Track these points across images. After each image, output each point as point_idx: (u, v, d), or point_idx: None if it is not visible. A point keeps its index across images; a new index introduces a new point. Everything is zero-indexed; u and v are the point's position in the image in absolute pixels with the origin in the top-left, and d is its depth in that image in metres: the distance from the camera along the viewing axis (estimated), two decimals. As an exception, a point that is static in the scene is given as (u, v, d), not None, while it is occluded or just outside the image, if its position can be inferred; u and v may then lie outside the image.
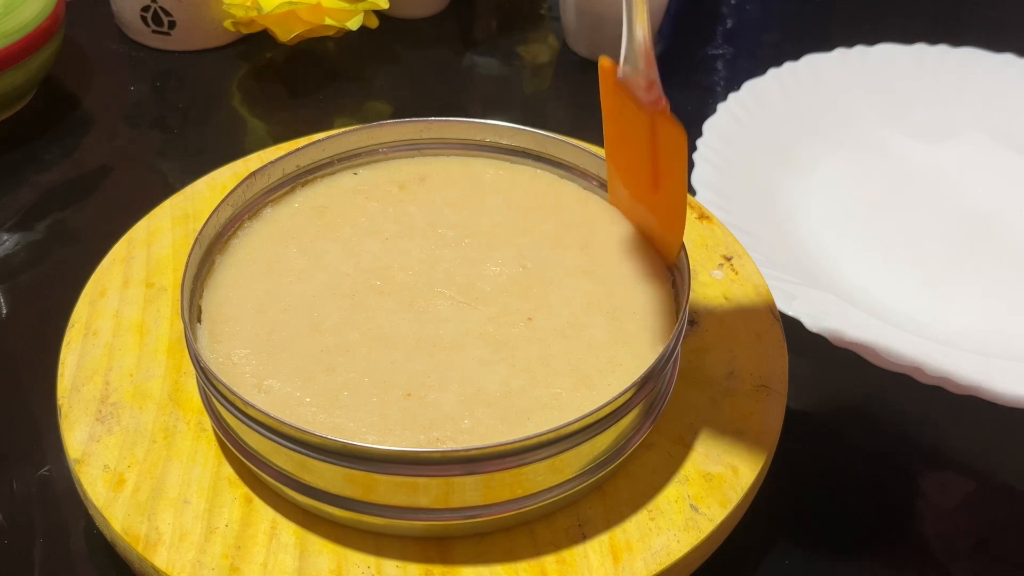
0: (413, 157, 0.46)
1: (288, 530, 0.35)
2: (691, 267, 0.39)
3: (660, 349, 0.37)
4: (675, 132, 0.36)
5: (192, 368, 0.38)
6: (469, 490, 0.33)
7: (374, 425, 0.35)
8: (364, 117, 0.62)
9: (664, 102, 0.37)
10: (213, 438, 0.37)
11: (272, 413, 0.33)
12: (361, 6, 0.61)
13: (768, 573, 0.40)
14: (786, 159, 0.58)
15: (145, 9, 0.64)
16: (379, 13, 0.64)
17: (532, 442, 0.32)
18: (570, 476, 0.34)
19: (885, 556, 0.40)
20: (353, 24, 0.61)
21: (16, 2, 0.54)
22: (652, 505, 0.36)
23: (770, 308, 0.43)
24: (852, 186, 0.57)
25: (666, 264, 0.41)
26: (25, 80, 0.57)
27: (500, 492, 0.33)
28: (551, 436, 0.33)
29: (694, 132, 0.56)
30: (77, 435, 0.37)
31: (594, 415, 0.33)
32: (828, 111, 0.61)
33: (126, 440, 0.37)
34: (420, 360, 0.37)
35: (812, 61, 0.62)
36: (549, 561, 0.34)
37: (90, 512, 0.36)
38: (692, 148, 0.55)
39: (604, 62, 0.39)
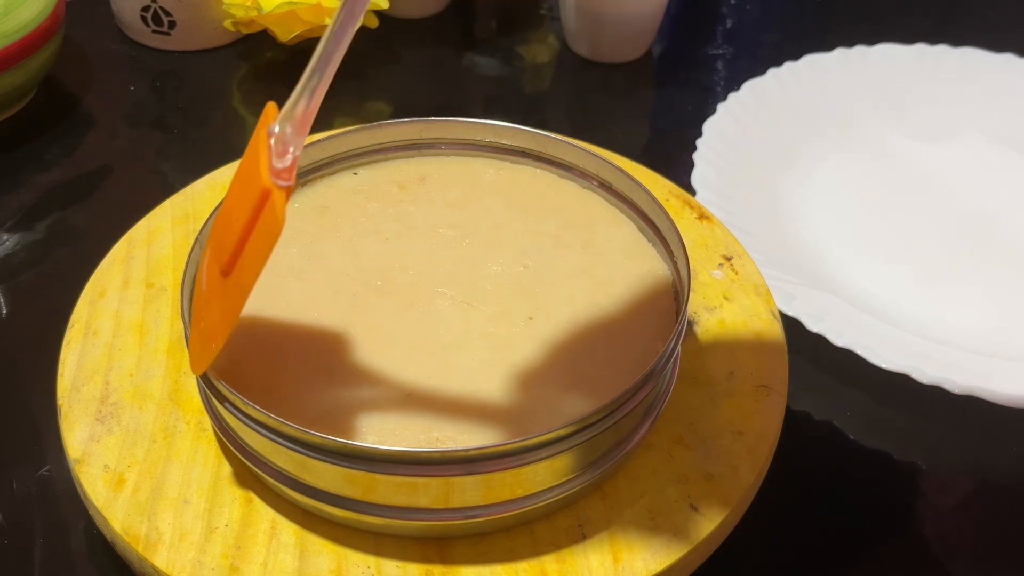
0: (413, 157, 0.46)
1: (288, 530, 0.35)
2: (691, 267, 0.39)
3: (660, 349, 0.37)
4: (273, 219, 0.31)
5: (192, 368, 0.38)
6: (469, 490, 0.33)
7: (374, 425, 0.35)
8: (364, 117, 0.62)
9: (291, 186, 0.32)
10: (213, 438, 0.37)
11: (273, 414, 0.33)
12: (361, 6, 0.61)
13: (768, 573, 0.40)
14: (786, 159, 0.58)
15: (145, 9, 0.64)
16: (379, 13, 0.64)
17: (532, 442, 0.32)
18: (570, 476, 0.34)
19: (885, 556, 0.40)
20: (353, 24, 0.61)
21: (16, 2, 0.54)
22: (652, 505, 0.36)
23: (770, 308, 0.43)
24: (852, 186, 0.57)
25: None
26: (25, 80, 0.57)
27: (500, 492, 0.33)
28: (551, 436, 0.32)
29: (694, 132, 0.56)
30: (77, 435, 0.37)
31: (594, 415, 0.33)
32: (828, 111, 0.61)
33: (126, 440, 0.37)
34: (420, 360, 0.37)
35: (812, 61, 0.62)
36: (549, 561, 0.34)
37: (90, 512, 0.36)
38: (692, 148, 0.55)
39: (269, 106, 0.33)
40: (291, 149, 0.32)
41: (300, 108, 0.32)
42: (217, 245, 0.34)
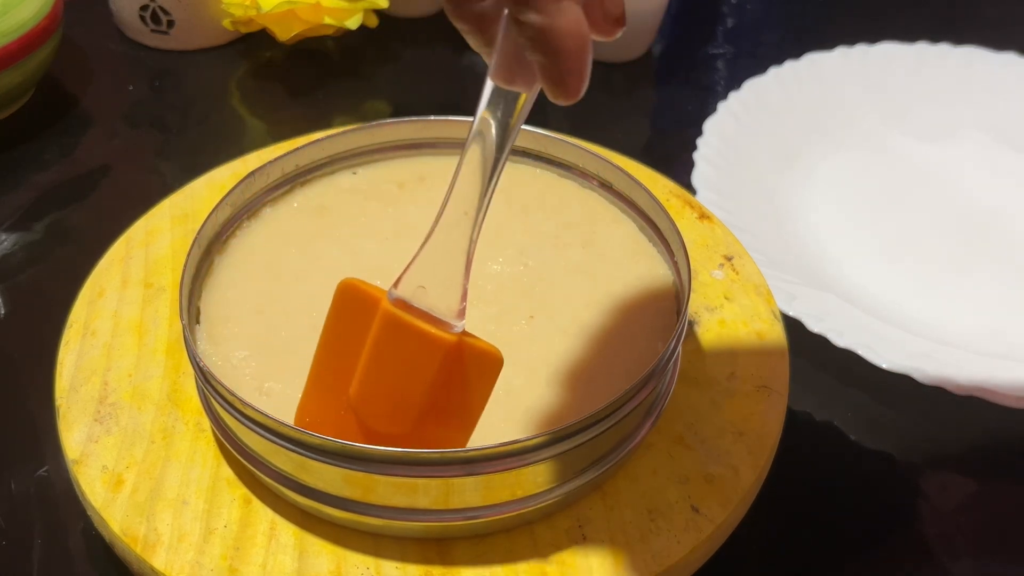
0: (413, 157, 0.46)
1: (287, 531, 0.35)
2: (691, 267, 0.39)
3: (660, 349, 0.37)
4: (490, 355, 0.32)
5: (191, 369, 0.38)
6: (469, 491, 0.33)
7: (373, 425, 0.35)
8: (363, 117, 0.62)
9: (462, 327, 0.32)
10: (212, 439, 0.37)
11: (272, 415, 0.33)
12: (360, 5, 0.61)
13: (768, 573, 0.40)
14: (787, 158, 0.58)
15: (144, 8, 0.64)
16: (379, 12, 0.64)
17: (532, 442, 0.32)
18: (570, 476, 0.34)
19: (885, 556, 0.40)
20: (352, 23, 0.61)
21: (14, 1, 0.54)
22: (652, 506, 0.36)
23: (770, 308, 0.43)
24: (853, 185, 0.57)
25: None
26: (23, 79, 0.57)
27: (500, 493, 0.33)
28: (551, 436, 0.32)
29: (694, 132, 0.56)
30: (75, 436, 0.37)
31: (594, 415, 0.33)
32: (829, 110, 0.60)
33: (124, 441, 0.37)
34: (420, 360, 0.37)
35: (813, 60, 0.62)
36: (549, 561, 0.34)
37: (88, 513, 0.36)
38: (692, 147, 0.55)
39: (352, 285, 0.33)
40: (462, 306, 0.32)
41: (461, 265, 0.31)
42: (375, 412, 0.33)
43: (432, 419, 0.33)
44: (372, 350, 0.32)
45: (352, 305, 0.33)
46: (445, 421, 0.33)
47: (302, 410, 0.35)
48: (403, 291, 0.32)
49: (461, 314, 0.32)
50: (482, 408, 0.33)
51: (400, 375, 0.33)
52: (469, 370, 0.32)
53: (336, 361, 0.34)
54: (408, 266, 0.32)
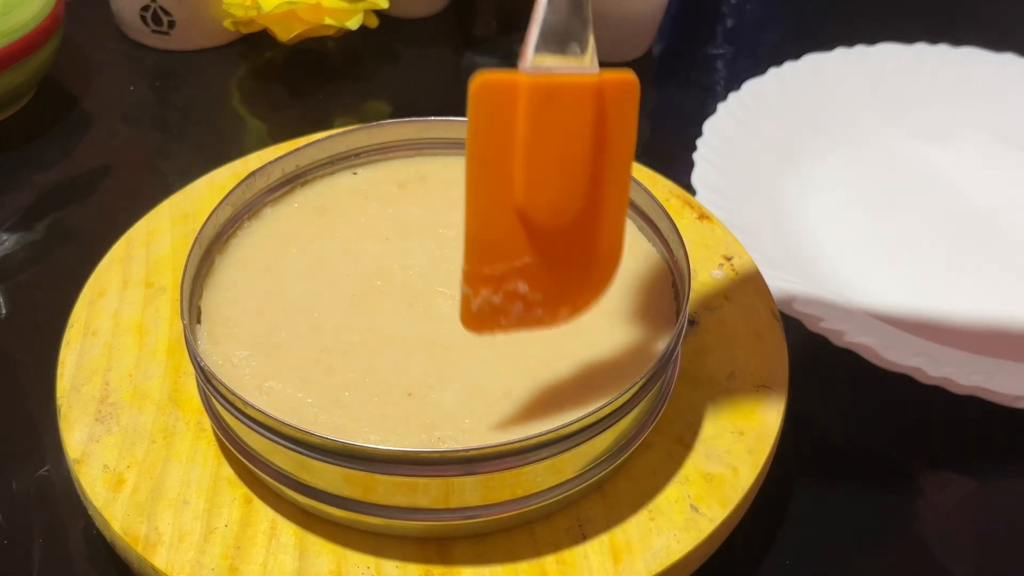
0: (413, 157, 0.46)
1: (288, 530, 0.35)
2: (691, 267, 0.39)
3: (660, 349, 0.37)
4: (626, 81, 0.31)
5: (191, 368, 0.38)
6: (469, 490, 0.33)
7: (375, 425, 0.35)
8: (364, 117, 0.62)
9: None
10: (212, 438, 0.37)
11: (273, 414, 0.33)
12: (361, 5, 0.61)
13: (768, 573, 0.40)
14: (787, 158, 0.58)
15: (145, 9, 0.64)
16: (379, 12, 0.64)
17: (532, 442, 0.32)
18: (570, 476, 0.34)
19: (885, 556, 0.40)
20: (353, 24, 0.61)
21: (15, 1, 0.54)
22: (652, 505, 0.36)
23: (770, 308, 0.43)
24: (852, 186, 0.57)
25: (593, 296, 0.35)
26: (24, 80, 0.57)
27: (500, 492, 0.33)
28: (551, 436, 0.32)
29: (694, 132, 0.56)
30: (76, 435, 0.37)
31: (594, 415, 0.33)
32: (829, 110, 0.61)
33: (125, 440, 0.37)
34: (421, 360, 0.37)
35: (813, 60, 0.62)
36: (549, 561, 0.34)
37: (89, 512, 0.36)
38: (692, 148, 0.55)
39: (494, 79, 0.30)
40: (592, 43, 0.31)
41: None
42: (543, 204, 0.31)
43: (598, 189, 0.31)
44: (528, 132, 0.30)
45: (491, 99, 0.30)
46: (608, 188, 0.32)
47: (473, 244, 0.32)
48: (533, 62, 0.30)
49: (593, 59, 0.31)
50: (632, 155, 0.32)
51: (563, 145, 0.31)
52: (614, 108, 0.31)
53: (489, 171, 0.31)
54: (528, 37, 0.30)
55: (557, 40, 0.30)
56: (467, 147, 0.31)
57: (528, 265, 0.31)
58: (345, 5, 0.61)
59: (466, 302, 0.32)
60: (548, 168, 0.31)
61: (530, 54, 0.30)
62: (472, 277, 0.32)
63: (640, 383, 0.34)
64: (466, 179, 0.31)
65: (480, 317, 0.32)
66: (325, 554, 0.34)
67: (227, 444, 0.36)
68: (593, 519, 0.35)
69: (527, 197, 0.31)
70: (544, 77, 0.30)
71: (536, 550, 0.34)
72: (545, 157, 0.31)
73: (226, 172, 0.48)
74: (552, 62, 0.30)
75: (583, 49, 0.31)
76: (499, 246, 0.31)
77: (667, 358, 0.35)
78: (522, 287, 0.32)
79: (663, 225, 0.41)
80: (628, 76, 0.31)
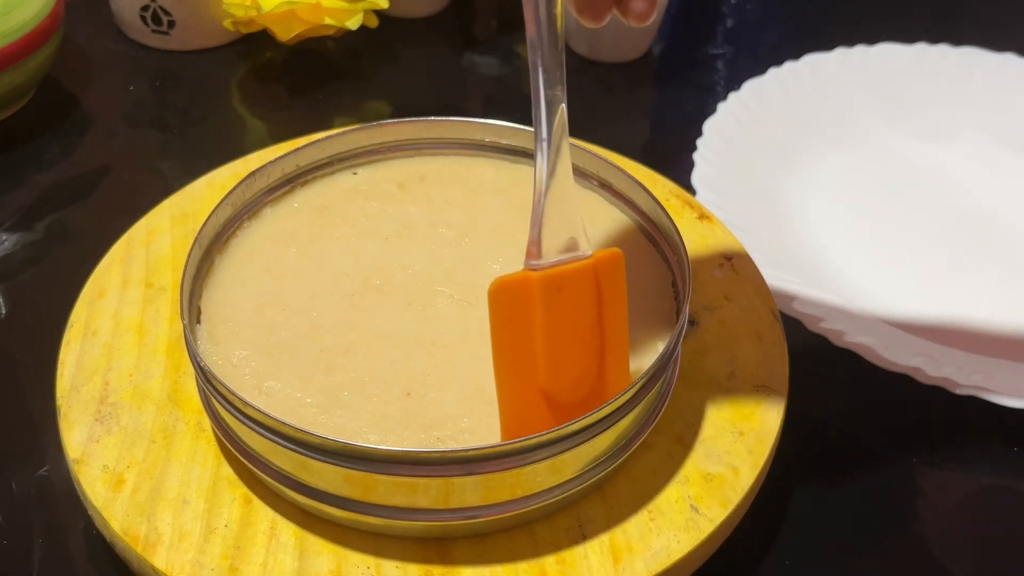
0: (413, 157, 0.46)
1: (288, 530, 0.35)
2: (691, 267, 0.39)
3: (660, 349, 0.37)
4: (614, 256, 0.34)
5: (191, 368, 0.38)
6: (469, 490, 0.33)
7: (375, 425, 0.35)
8: (364, 117, 0.62)
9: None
10: (212, 438, 0.37)
11: (272, 414, 0.33)
12: (361, 5, 0.61)
13: (768, 573, 0.40)
14: (786, 159, 0.58)
15: (144, 9, 0.64)
16: (379, 13, 0.64)
17: (532, 442, 0.32)
18: (570, 476, 0.34)
19: (885, 556, 0.40)
20: (353, 24, 0.61)
21: (15, 1, 0.54)
22: (652, 505, 0.36)
23: (770, 308, 0.43)
24: (852, 186, 0.57)
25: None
26: (24, 80, 0.57)
27: (500, 492, 0.33)
28: (551, 436, 0.32)
29: (694, 132, 0.56)
30: (76, 435, 0.37)
31: (594, 415, 0.33)
32: (829, 111, 0.61)
33: (125, 440, 0.37)
34: (420, 359, 0.37)
35: (813, 61, 0.62)
36: (549, 561, 0.34)
37: (89, 512, 0.36)
38: (692, 148, 0.55)
39: (509, 281, 0.33)
40: (580, 229, 0.34)
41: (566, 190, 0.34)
42: (564, 375, 0.35)
43: (607, 359, 0.35)
44: (545, 320, 0.34)
45: (508, 299, 0.34)
46: (613, 357, 0.35)
47: (507, 427, 0.35)
48: (537, 259, 0.34)
49: (585, 244, 0.34)
50: (626, 314, 0.35)
51: (574, 325, 0.34)
52: (607, 281, 0.34)
53: (514, 362, 0.34)
54: (532, 237, 0.34)
55: (550, 235, 0.34)
56: (493, 344, 0.34)
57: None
58: (345, 5, 0.61)
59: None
60: (565, 349, 0.34)
61: (543, 252, 0.34)
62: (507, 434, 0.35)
63: (640, 383, 0.34)
64: (495, 373, 0.35)
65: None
66: (325, 554, 0.34)
67: (227, 444, 0.36)
68: (593, 519, 0.35)
69: (550, 380, 0.34)
70: (551, 270, 0.34)
71: (536, 550, 0.34)
72: (561, 340, 0.34)
73: (226, 172, 0.48)
74: (549, 255, 0.34)
75: (578, 237, 0.34)
76: (528, 425, 0.34)
77: (667, 358, 0.35)
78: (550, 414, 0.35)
79: (663, 225, 0.41)
80: (615, 252, 0.35)
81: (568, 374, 0.35)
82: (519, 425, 0.34)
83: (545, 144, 0.33)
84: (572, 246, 0.34)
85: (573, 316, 0.34)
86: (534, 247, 0.34)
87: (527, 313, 0.34)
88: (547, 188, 0.33)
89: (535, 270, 0.34)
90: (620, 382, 0.35)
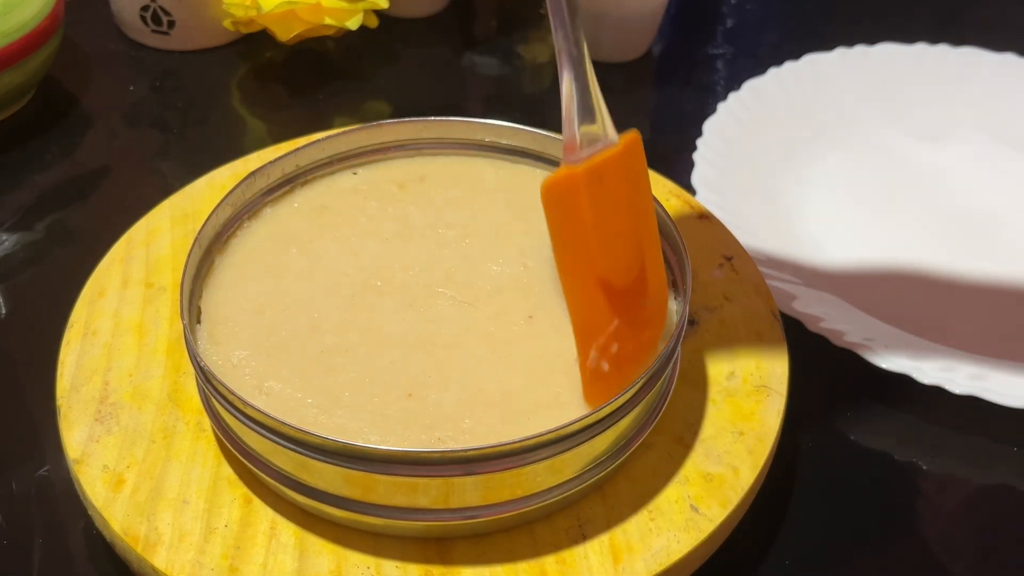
0: (413, 157, 0.46)
1: (288, 530, 0.35)
2: (691, 267, 0.39)
3: (660, 349, 0.37)
4: (636, 138, 0.36)
5: (191, 368, 0.38)
6: (469, 490, 0.33)
7: (375, 425, 0.35)
8: (364, 117, 0.62)
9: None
10: (212, 438, 0.37)
11: (272, 414, 0.33)
12: (361, 5, 0.61)
13: (768, 573, 0.40)
14: (786, 159, 0.58)
15: (144, 9, 0.64)
16: (379, 13, 0.64)
17: (532, 442, 0.32)
18: (570, 476, 0.34)
19: (885, 556, 0.40)
20: (353, 24, 0.61)
21: (15, 1, 0.54)
22: (652, 505, 0.36)
23: (770, 308, 0.43)
24: (852, 186, 0.57)
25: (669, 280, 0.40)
26: (24, 80, 0.57)
27: (500, 492, 0.33)
28: (551, 436, 0.32)
29: (694, 132, 0.56)
30: (76, 435, 0.37)
31: (594, 415, 0.33)
32: (828, 111, 0.61)
33: (125, 440, 0.37)
34: (421, 360, 0.37)
35: (812, 61, 0.62)
36: (549, 561, 0.34)
37: (89, 512, 0.36)
38: (692, 148, 0.55)
39: (558, 178, 0.35)
40: (607, 117, 0.36)
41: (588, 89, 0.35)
42: (618, 277, 0.36)
43: (642, 238, 0.37)
44: (592, 210, 0.35)
45: (558, 197, 0.35)
46: (645, 233, 0.37)
47: (579, 326, 0.36)
48: (575, 154, 0.35)
49: (611, 128, 0.36)
50: (651, 196, 0.38)
51: (616, 210, 0.36)
52: (633, 163, 0.37)
53: (574, 256, 0.36)
54: (569, 135, 0.35)
55: (589, 128, 0.35)
56: (553, 246, 0.37)
57: (618, 327, 0.36)
58: (345, 5, 0.61)
59: (587, 384, 0.36)
60: (613, 234, 0.36)
61: (578, 145, 0.35)
62: (586, 361, 0.36)
63: (640, 383, 0.34)
64: (560, 276, 0.37)
65: (596, 391, 0.36)
66: (325, 554, 0.34)
67: (227, 444, 0.36)
68: (593, 519, 0.35)
69: (606, 266, 0.36)
70: (591, 162, 0.35)
71: (536, 550, 0.34)
72: (609, 226, 0.36)
73: (226, 172, 0.48)
74: (588, 149, 0.35)
75: (605, 125, 0.36)
76: (597, 324, 0.36)
77: (667, 358, 0.36)
78: (615, 347, 0.36)
79: (663, 225, 0.41)
80: (634, 135, 0.36)
81: (620, 259, 0.36)
82: (591, 328, 0.36)
83: (570, 38, 0.34)
84: (601, 136, 0.35)
85: (615, 202, 0.36)
86: (572, 143, 0.35)
87: (576, 207, 0.35)
88: (577, 81, 0.35)
89: (576, 164, 0.35)
90: (655, 260, 0.37)
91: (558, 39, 0.34)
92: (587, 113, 0.35)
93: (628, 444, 0.36)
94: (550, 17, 0.34)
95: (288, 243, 0.42)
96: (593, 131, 0.35)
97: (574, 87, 0.35)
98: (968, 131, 0.61)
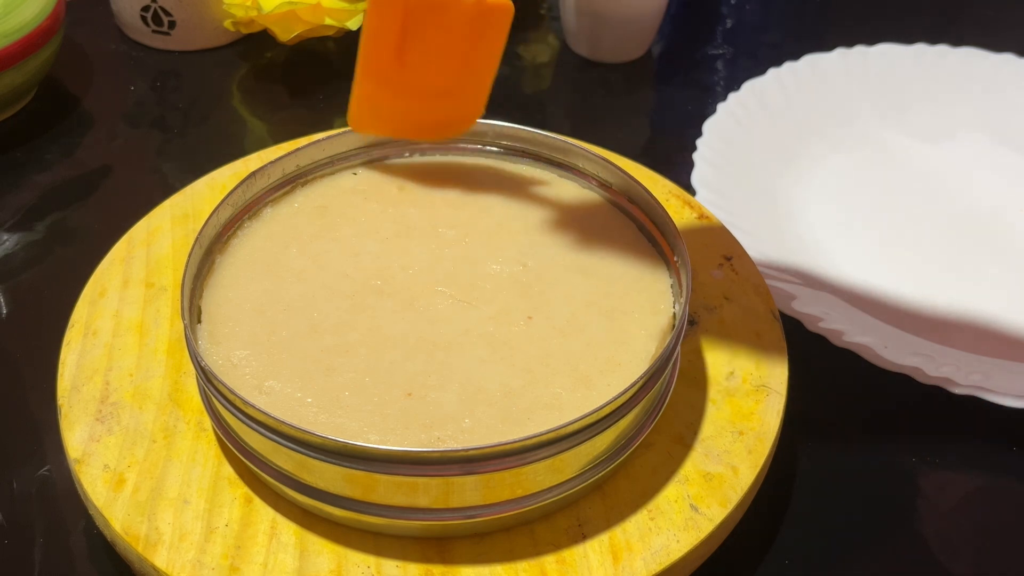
0: (413, 157, 0.46)
1: (288, 530, 0.35)
2: (691, 267, 0.39)
3: (660, 349, 0.37)
4: (503, 6, 0.40)
5: (192, 368, 0.38)
6: (469, 490, 0.33)
7: (375, 425, 0.35)
8: (364, 117, 0.62)
9: None
10: (213, 438, 0.37)
11: (273, 413, 0.33)
12: (361, 6, 0.61)
13: (768, 573, 0.40)
14: (786, 159, 0.58)
15: (145, 9, 0.64)
16: (379, 13, 0.64)
17: (532, 442, 0.32)
18: (570, 476, 0.34)
19: (885, 556, 0.40)
20: (353, 24, 0.61)
21: (16, 2, 0.54)
22: (652, 505, 0.36)
23: (770, 308, 0.43)
24: (852, 186, 0.57)
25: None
26: (25, 80, 0.57)
27: (500, 492, 0.33)
28: (551, 436, 0.33)
29: (694, 132, 0.56)
30: (77, 435, 0.37)
31: (594, 415, 0.33)
32: (828, 111, 0.61)
33: (126, 440, 0.37)
34: (420, 360, 0.37)
35: (812, 61, 0.62)
36: (549, 561, 0.34)
37: (90, 512, 0.36)
38: (692, 148, 0.55)
39: None
40: None
41: None
42: (412, 74, 0.41)
43: (465, 85, 0.42)
44: (408, 15, 0.39)
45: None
46: (473, 75, 0.42)
47: (356, 104, 0.42)
48: None
49: None
50: (496, 61, 0.42)
51: (438, 37, 0.40)
52: (489, 25, 0.41)
53: (376, 42, 0.40)
54: None
55: None
56: (364, 21, 0.41)
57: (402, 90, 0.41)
58: (345, 5, 0.61)
59: (353, 105, 0.42)
60: (424, 50, 0.40)
61: None
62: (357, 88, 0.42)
63: (640, 383, 0.34)
64: (360, 42, 0.41)
65: (360, 117, 0.43)
66: (325, 554, 0.34)
67: (227, 444, 0.36)
68: (593, 519, 0.35)
69: (402, 68, 0.41)
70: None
71: (536, 550, 0.34)
72: (423, 41, 0.40)
73: (226, 172, 0.48)
74: None
75: None
76: (372, 99, 0.42)
77: (667, 358, 0.36)
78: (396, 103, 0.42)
79: (663, 225, 0.41)
80: (504, 3, 0.40)
81: (421, 71, 0.41)
82: (365, 97, 0.42)
83: None
84: None
85: (439, 30, 0.40)
86: None
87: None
88: None
89: None
90: (473, 109, 0.42)
91: None
92: None
93: (628, 444, 0.36)
94: None
95: (288, 243, 0.42)
96: None
97: None
98: (968, 131, 0.61)
